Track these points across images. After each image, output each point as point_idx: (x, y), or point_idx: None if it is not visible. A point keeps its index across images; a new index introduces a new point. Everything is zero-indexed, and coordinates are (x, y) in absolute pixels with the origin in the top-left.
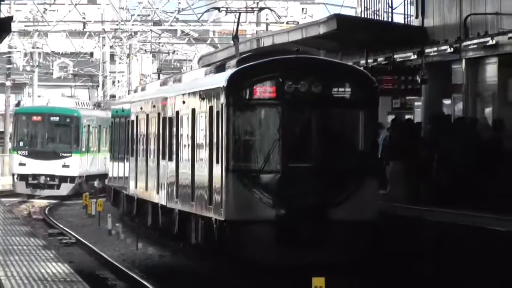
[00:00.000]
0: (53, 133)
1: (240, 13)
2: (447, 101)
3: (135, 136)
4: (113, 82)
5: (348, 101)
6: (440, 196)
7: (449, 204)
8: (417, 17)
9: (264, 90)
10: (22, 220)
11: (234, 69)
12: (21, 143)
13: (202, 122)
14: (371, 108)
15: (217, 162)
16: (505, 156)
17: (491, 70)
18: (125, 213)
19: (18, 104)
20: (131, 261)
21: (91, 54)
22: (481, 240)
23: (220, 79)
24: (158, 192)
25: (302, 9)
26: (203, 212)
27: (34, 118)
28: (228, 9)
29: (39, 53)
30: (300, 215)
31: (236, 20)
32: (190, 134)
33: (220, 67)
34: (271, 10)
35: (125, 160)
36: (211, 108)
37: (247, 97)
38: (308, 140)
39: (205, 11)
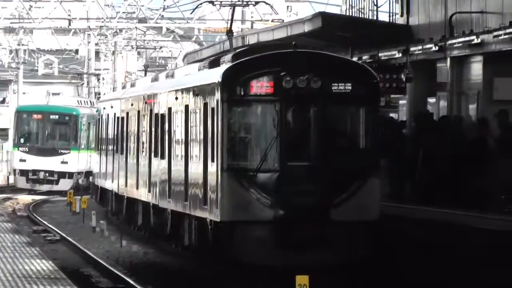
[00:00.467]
0: (52, 130)
1: (234, 7)
2: (432, 100)
3: (125, 133)
4: (98, 79)
5: (349, 97)
6: (424, 194)
7: (433, 202)
8: (402, 15)
9: (261, 86)
10: (6, 217)
11: (230, 64)
12: (22, 140)
13: (196, 119)
14: (373, 104)
15: (212, 160)
16: (490, 155)
17: (476, 69)
18: (113, 212)
19: (3, 101)
20: (115, 258)
21: (76, 51)
22: (465, 238)
23: (215, 74)
24: (149, 191)
25: (287, 7)
26: (197, 213)
27: (35, 116)
28: (222, 2)
29: (25, 50)
30: (299, 216)
31: (231, 14)
32: (183, 131)
33: (214, 62)
34: (268, 4)
35: (114, 158)
36: (205, 104)
37: (243, 93)
38: (307, 138)
39: (198, 5)
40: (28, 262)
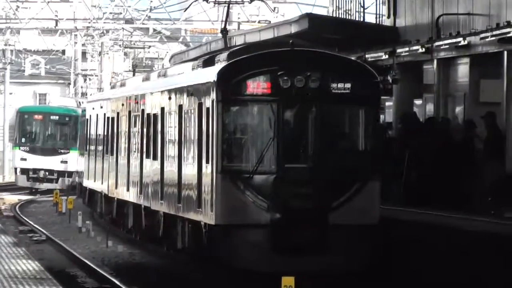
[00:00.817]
0: (53, 131)
1: (229, 5)
2: (418, 101)
3: (115, 134)
4: (85, 80)
5: (348, 97)
6: (410, 196)
7: (419, 204)
8: (389, 16)
9: (257, 85)
10: None
11: (225, 63)
12: (23, 140)
13: (190, 119)
14: (373, 105)
15: (207, 162)
16: (477, 157)
17: (462, 71)
18: (103, 214)
19: None
20: (100, 258)
21: (63, 52)
22: (451, 240)
23: (210, 73)
24: (141, 193)
25: (274, 8)
26: (191, 215)
27: (36, 116)
28: (217, 0)
29: (11, 51)
30: (296, 219)
31: (225, 12)
32: (177, 132)
33: (208, 61)
34: (264, 2)
35: (104, 159)
36: (200, 104)
37: (240, 92)
38: (305, 139)
39: (192, 3)
40: (14, 262)
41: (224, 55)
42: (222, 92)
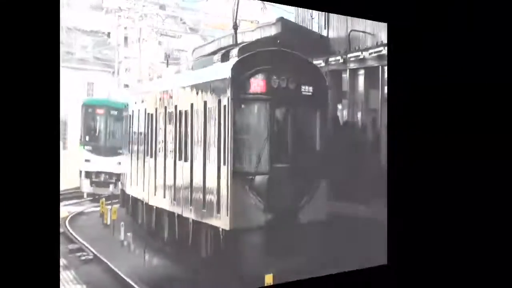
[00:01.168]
0: (112, 127)
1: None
2: (339, 106)
3: (154, 132)
4: (126, 69)
5: (311, 100)
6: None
7: (336, 198)
8: (325, 27)
9: (257, 84)
10: None
11: (236, 59)
12: (87, 138)
13: (212, 117)
14: (325, 107)
15: (224, 163)
16: (365, 154)
17: (361, 81)
18: (145, 224)
19: None
20: (138, 274)
21: (109, 35)
22: (341, 226)
23: (225, 69)
24: (174, 199)
25: (261, 8)
26: (212, 221)
27: (98, 111)
28: None
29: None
30: (279, 219)
31: (236, 8)
32: (202, 131)
33: (225, 55)
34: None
35: (145, 162)
36: (219, 101)
37: (246, 90)
38: (286, 139)
39: None
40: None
41: (235, 51)
42: (234, 89)
